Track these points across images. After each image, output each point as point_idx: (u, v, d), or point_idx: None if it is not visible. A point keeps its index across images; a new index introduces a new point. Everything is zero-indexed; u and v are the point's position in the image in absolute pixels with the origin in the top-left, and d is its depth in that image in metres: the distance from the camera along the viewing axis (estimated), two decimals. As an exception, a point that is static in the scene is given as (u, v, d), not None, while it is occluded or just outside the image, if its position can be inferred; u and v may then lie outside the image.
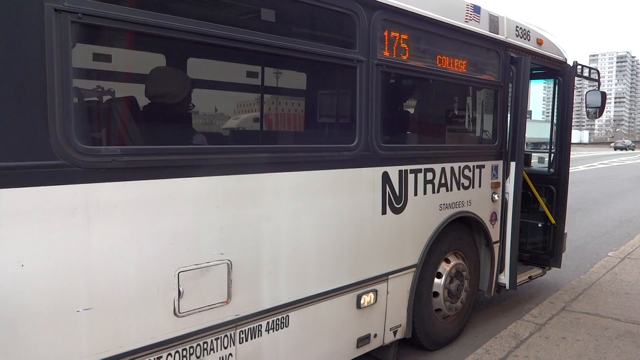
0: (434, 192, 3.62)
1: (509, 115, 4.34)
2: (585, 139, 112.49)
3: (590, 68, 5.36)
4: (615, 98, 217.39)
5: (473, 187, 4.01)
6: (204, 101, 3.28)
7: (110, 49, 2.60)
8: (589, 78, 5.37)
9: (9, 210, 1.78)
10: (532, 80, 4.85)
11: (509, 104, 4.33)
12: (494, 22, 4.05)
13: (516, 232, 4.41)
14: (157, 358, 2.22)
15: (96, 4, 1.96)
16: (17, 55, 1.79)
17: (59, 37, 1.86)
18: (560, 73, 5.06)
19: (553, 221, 5.13)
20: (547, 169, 5.35)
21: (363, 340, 3.24)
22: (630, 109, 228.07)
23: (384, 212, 3.24)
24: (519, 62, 4.26)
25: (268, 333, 2.66)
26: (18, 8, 1.79)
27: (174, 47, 2.97)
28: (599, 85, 5.49)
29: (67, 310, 1.94)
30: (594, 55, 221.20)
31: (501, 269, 4.46)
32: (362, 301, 3.15)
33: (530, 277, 5.02)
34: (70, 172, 1.91)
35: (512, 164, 4.32)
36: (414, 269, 3.54)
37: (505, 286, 4.49)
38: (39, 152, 1.84)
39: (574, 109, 5.14)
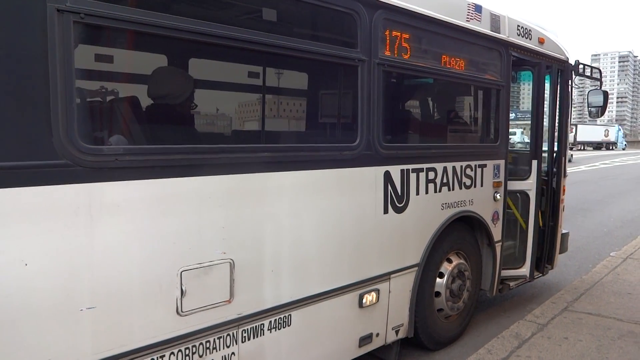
0: (435, 191, 3.62)
1: (543, 117, 4.57)
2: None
3: (592, 67, 5.35)
4: (617, 98, 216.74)
5: (475, 187, 4.01)
6: (206, 101, 3.28)
7: (113, 49, 2.60)
8: (590, 77, 5.37)
9: (12, 209, 1.78)
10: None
11: (537, 106, 4.55)
12: (495, 21, 4.04)
13: (537, 227, 4.62)
14: (160, 357, 2.23)
15: (98, 4, 1.97)
16: (20, 55, 1.80)
17: (61, 37, 1.86)
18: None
19: (524, 226, 4.86)
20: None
21: (365, 339, 3.24)
22: (632, 109, 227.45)
23: (385, 211, 3.24)
24: (537, 66, 4.49)
25: (270, 332, 2.66)
26: (21, 8, 1.79)
27: (176, 47, 2.98)
28: (601, 84, 5.48)
29: (70, 309, 1.95)
30: (596, 55, 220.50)
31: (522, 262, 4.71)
32: (364, 300, 3.15)
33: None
34: (73, 172, 1.92)
35: (534, 162, 4.58)
36: (416, 268, 3.54)
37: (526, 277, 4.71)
38: (42, 152, 1.85)
39: (575, 109, 5.15)
